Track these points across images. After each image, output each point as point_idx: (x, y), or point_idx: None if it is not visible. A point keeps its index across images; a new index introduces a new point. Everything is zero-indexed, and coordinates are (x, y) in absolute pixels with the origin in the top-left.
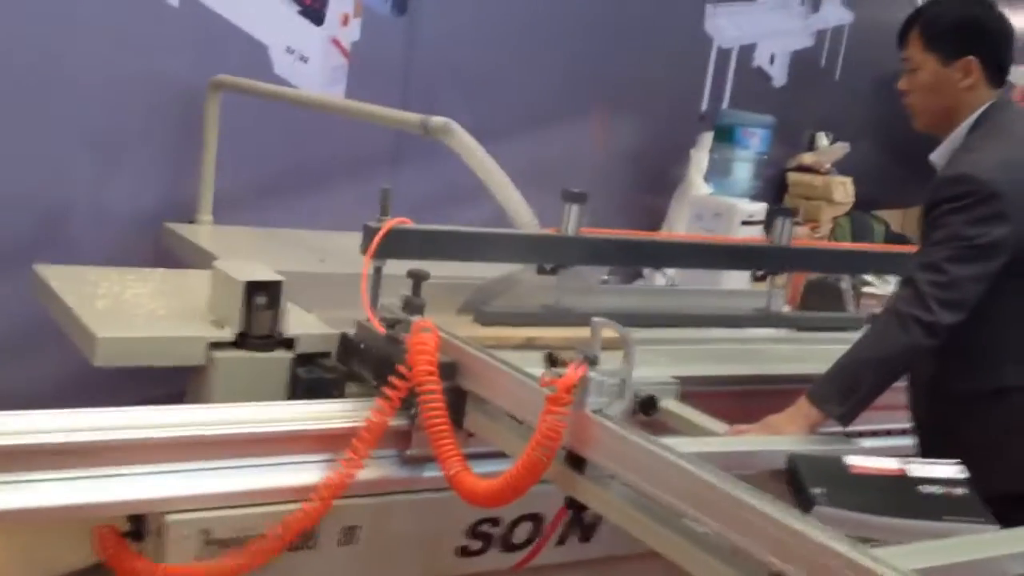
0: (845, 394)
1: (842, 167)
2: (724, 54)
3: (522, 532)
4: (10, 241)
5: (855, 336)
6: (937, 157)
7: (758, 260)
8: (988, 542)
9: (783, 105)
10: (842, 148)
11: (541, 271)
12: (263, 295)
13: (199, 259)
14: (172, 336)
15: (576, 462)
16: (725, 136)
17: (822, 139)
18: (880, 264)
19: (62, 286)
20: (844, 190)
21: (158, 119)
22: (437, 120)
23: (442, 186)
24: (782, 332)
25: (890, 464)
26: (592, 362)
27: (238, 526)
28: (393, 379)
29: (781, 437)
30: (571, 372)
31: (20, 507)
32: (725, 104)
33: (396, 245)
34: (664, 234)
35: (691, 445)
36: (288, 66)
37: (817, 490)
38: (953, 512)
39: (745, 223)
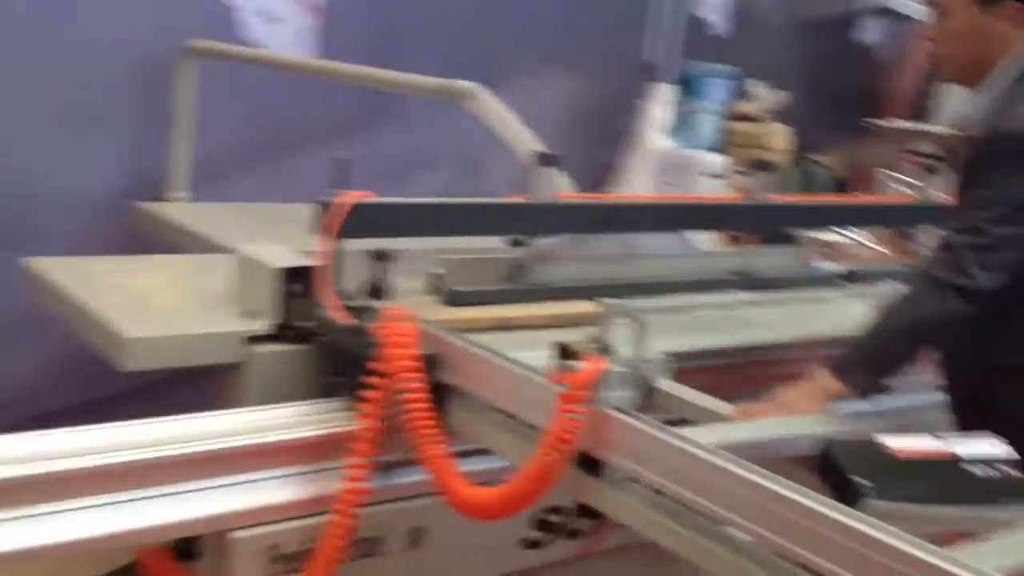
0: (873, 366)
1: (776, 115)
2: (659, 2)
3: (586, 518)
4: None
5: (827, 295)
6: (974, 110)
7: (745, 218)
8: None
9: (722, 53)
10: (779, 95)
11: (515, 243)
12: (300, 282)
13: (184, 241)
14: (206, 332)
15: (590, 464)
16: (688, 88)
17: (758, 87)
18: (872, 217)
19: (66, 281)
20: (781, 137)
21: (118, 90)
22: (463, 85)
23: (404, 151)
24: (755, 295)
25: (934, 444)
26: (608, 353)
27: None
28: (372, 380)
29: (808, 419)
30: (589, 366)
31: (57, 541)
32: (662, 54)
33: (353, 222)
34: (640, 196)
35: (709, 434)
36: (257, 28)
37: (862, 481)
38: (1010, 494)
39: (706, 175)
